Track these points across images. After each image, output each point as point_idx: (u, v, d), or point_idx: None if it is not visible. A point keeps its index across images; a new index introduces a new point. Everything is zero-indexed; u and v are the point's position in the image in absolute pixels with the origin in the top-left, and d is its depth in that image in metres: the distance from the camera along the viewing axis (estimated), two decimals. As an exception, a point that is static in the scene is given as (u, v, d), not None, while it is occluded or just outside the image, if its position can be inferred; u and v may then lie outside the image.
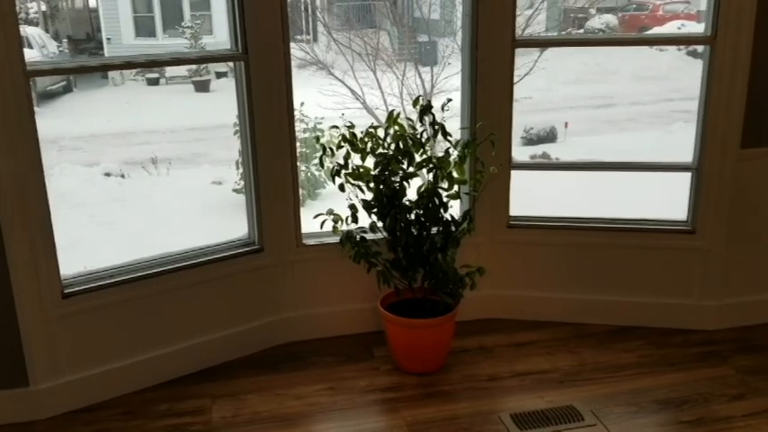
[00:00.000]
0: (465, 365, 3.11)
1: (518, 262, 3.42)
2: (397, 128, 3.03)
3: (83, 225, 7.56)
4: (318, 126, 7.34)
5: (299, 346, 3.27)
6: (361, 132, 3.07)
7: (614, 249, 3.36)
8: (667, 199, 3.55)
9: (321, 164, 3.10)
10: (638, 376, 2.99)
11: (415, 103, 3.04)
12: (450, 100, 3.03)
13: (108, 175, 9.22)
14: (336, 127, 3.15)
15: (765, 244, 3.28)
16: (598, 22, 13.73)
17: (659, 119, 10.21)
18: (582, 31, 13.45)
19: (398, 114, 3.06)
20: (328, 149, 3.07)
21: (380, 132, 3.06)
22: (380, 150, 3.04)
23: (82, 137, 11.57)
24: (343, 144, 3.05)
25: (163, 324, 2.99)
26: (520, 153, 9.51)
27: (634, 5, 14.13)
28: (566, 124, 9.73)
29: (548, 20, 10.90)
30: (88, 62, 2.86)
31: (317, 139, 3.46)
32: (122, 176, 9.23)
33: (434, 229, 3.09)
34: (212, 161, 9.42)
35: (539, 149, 9.19)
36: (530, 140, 9.90)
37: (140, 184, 8.95)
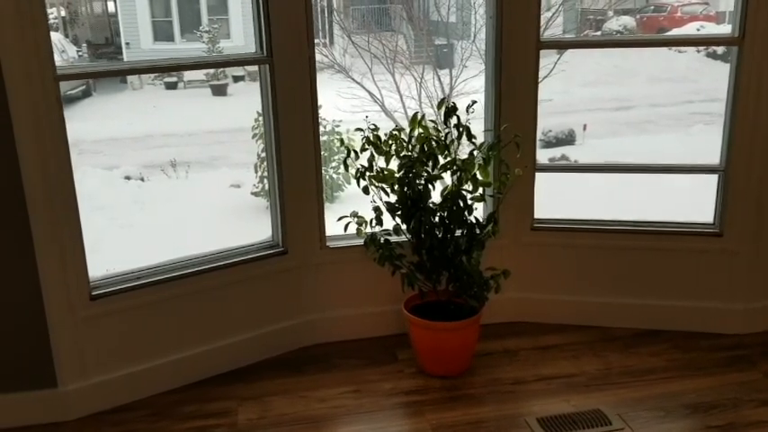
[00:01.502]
0: (490, 369, 3.10)
1: (542, 265, 3.41)
2: (420, 130, 3.03)
3: (104, 228, 7.62)
4: (336, 129, 7.35)
5: (323, 349, 3.27)
6: (385, 135, 3.07)
7: (639, 252, 3.33)
8: (691, 201, 3.53)
9: (345, 166, 3.10)
10: (666, 380, 2.96)
11: (440, 105, 3.05)
12: (474, 102, 3.02)
13: (128, 178, 9.28)
14: (361, 129, 3.16)
15: (794, 247, 3.24)
16: (616, 23, 13.66)
17: (678, 121, 10.14)
18: (599, 33, 13.39)
19: (422, 117, 3.06)
20: (352, 152, 3.07)
21: (404, 135, 3.06)
22: (404, 153, 3.04)
23: (102, 140, 11.67)
24: (367, 146, 3.05)
25: (189, 326, 3.01)
26: (538, 156, 9.51)
27: (652, 7, 14.05)
28: (584, 126, 9.69)
29: (565, 22, 10.86)
30: (113, 66, 2.89)
31: (342, 141, 3.46)
32: (142, 179, 9.30)
33: (459, 232, 3.08)
34: (231, 164, 9.47)
35: (557, 152, 9.16)
36: (548, 143, 9.86)
37: (160, 186, 9.01)
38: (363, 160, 3.06)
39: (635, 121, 10.90)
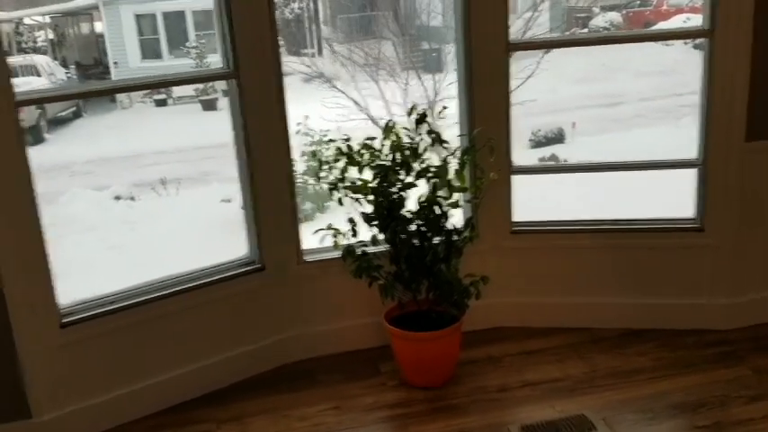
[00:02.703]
0: (474, 377, 3.05)
1: (524, 268, 3.36)
2: (393, 138, 2.99)
3: (93, 249, 7.59)
4: (324, 139, 7.32)
5: (305, 365, 3.22)
6: (358, 144, 3.04)
7: (622, 251, 3.29)
8: (677, 196, 3.48)
9: (318, 178, 3.06)
10: (652, 380, 2.92)
11: (410, 112, 3.00)
12: (445, 107, 2.99)
13: (118, 198, 9.25)
14: (333, 140, 3.13)
15: (776, 238, 3.19)
16: (602, 20, 13.65)
17: (668, 114, 10.11)
18: (586, 30, 13.37)
19: (394, 125, 3.02)
20: (325, 164, 3.04)
21: (377, 144, 3.02)
22: (378, 162, 3.00)
23: (93, 161, 11.65)
24: (339, 157, 3.01)
25: (165, 349, 2.96)
26: (528, 155, 9.46)
27: (638, 1, 14.04)
28: (573, 125, 9.66)
29: (551, 20, 10.84)
30: (71, 90, 2.86)
31: (314, 153, 3.42)
32: (132, 199, 9.26)
33: (437, 239, 3.04)
34: (221, 179, 9.44)
35: (547, 151, 9.13)
36: (538, 142, 9.84)
37: (150, 205, 8.97)
38: (338, 171, 3.02)
39: (625, 116, 10.87)
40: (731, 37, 2.90)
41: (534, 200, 3.99)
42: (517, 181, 3.32)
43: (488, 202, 3.18)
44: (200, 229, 7.51)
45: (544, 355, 3.18)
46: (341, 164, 3.00)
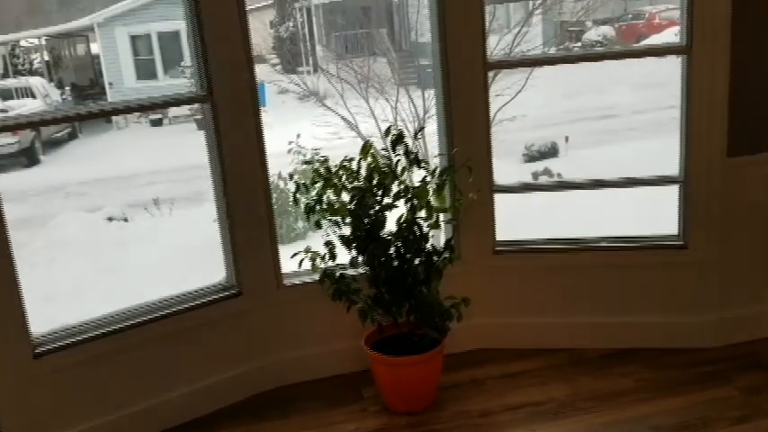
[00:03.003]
0: (456, 401, 3.00)
1: (508, 288, 3.31)
2: (370, 159, 2.96)
3: (84, 272, 7.54)
4: (316, 157, 7.30)
5: (287, 391, 3.17)
6: (335, 166, 3.01)
7: (605, 269, 3.25)
8: (666, 211, 3.44)
9: (295, 201, 3.02)
10: (636, 403, 2.86)
11: (387, 133, 2.97)
12: (422, 128, 2.96)
13: (111, 219, 9.23)
14: (309, 162, 3.10)
15: (760, 254, 3.15)
16: (595, 34, 13.67)
17: (661, 126, 10.09)
18: (579, 44, 13.39)
19: (371, 145, 2.99)
20: (302, 186, 3.00)
21: (354, 164, 2.99)
22: (356, 183, 2.96)
23: (87, 182, 11.65)
24: (317, 179, 2.98)
25: (141, 378, 2.91)
26: (521, 170, 9.44)
27: (630, 15, 14.08)
28: (566, 139, 9.65)
29: (543, 34, 10.85)
30: (32, 117, 2.84)
31: (291, 176, 3.39)
32: (125, 220, 9.24)
33: (417, 261, 3.00)
34: (214, 199, 9.37)
35: (540, 166, 9.11)
36: (531, 157, 9.83)
37: (143, 226, 8.95)
38: (314, 193, 2.99)
39: (619, 128, 10.85)
40: (708, 52, 2.87)
41: (520, 216, 3.95)
42: (501, 198, 3.29)
43: (471, 221, 3.15)
44: (192, 249, 7.47)
45: (527, 377, 3.12)
46: (318, 186, 2.97)
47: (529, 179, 8.48)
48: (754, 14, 2.87)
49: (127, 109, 2.95)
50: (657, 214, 3.46)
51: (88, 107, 2.74)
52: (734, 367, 3.04)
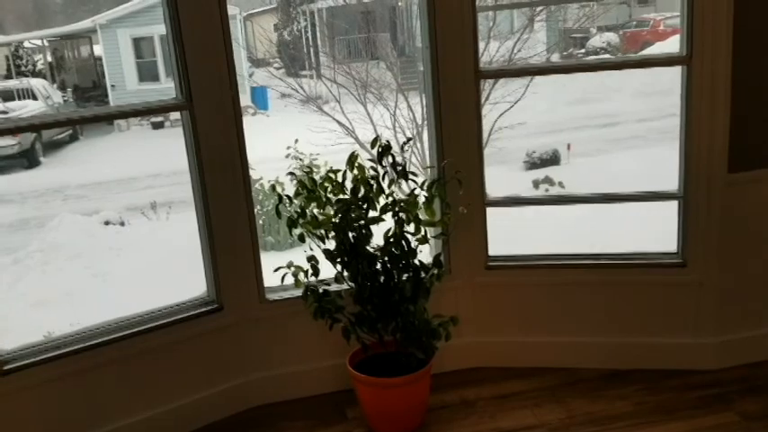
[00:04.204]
0: (444, 424, 2.87)
1: (500, 305, 3.19)
2: (356, 171, 2.84)
3: (77, 277, 7.45)
4: (314, 162, 7.21)
5: (268, 410, 3.05)
6: (320, 177, 2.89)
7: (603, 287, 3.12)
8: (667, 224, 3.32)
9: (278, 214, 2.91)
10: (632, 428, 2.74)
11: (373, 144, 2.86)
12: (410, 139, 2.84)
13: (107, 223, 9.14)
14: (293, 174, 2.98)
15: (762, 274, 3.02)
16: (599, 40, 13.56)
17: (665, 134, 9.97)
18: (583, 50, 13.27)
19: (357, 156, 2.87)
20: (285, 198, 2.88)
21: (340, 176, 2.87)
22: (341, 196, 2.85)
23: (87, 185, 11.58)
24: (301, 191, 2.87)
25: (116, 396, 2.80)
26: (522, 177, 9.33)
27: (635, 22, 13.97)
28: (568, 146, 9.54)
29: (548, 41, 10.74)
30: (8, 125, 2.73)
31: (273, 187, 3.27)
32: (122, 224, 9.16)
33: (405, 276, 2.88)
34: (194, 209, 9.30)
35: (541, 173, 8.99)
36: (533, 164, 9.72)
37: (138, 230, 8.86)
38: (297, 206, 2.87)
39: (622, 136, 10.73)
40: (709, 63, 2.75)
41: (514, 229, 3.84)
42: (495, 210, 3.17)
43: (462, 235, 3.03)
44: (185, 255, 7.36)
45: (520, 398, 3.00)
46: (301, 198, 2.85)
47: (529, 187, 8.37)
48: (756, 25, 2.75)
49: (94, 119, 2.82)
50: (657, 227, 3.35)
51: (65, 114, 2.61)
52: (735, 391, 2.91)
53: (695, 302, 3.03)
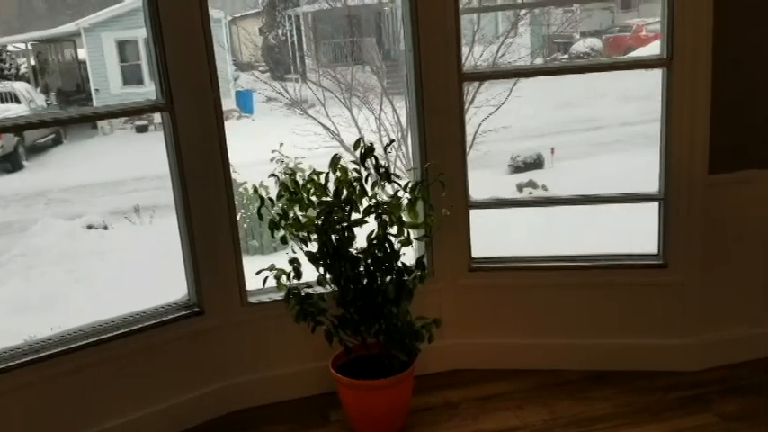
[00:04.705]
0: (427, 426, 2.87)
1: (483, 307, 3.19)
2: (339, 174, 2.83)
3: (60, 282, 7.38)
4: (299, 166, 7.19)
5: (250, 414, 3.03)
6: (303, 179, 2.88)
7: (586, 288, 3.13)
8: (650, 225, 3.34)
9: (260, 216, 2.89)
10: (614, 429, 2.74)
11: (356, 146, 2.85)
12: (392, 141, 2.84)
13: (90, 227, 9.06)
14: (275, 176, 2.97)
15: (743, 274, 3.04)
16: (583, 45, 13.65)
17: (648, 139, 10.04)
18: (567, 56, 13.35)
19: (340, 158, 2.86)
20: (267, 200, 2.87)
21: (324, 178, 2.86)
22: (324, 198, 2.84)
23: (70, 188, 11.48)
24: (283, 193, 2.85)
25: (97, 400, 2.77)
26: (506, 181, 9.36)
27: (617, 27, 14.07)
28: (551, 150, 9.58)
29: (532, 45, 10.80)
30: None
31: (255, 189, 3.26)
32: (105, 228, 9.08)
33: (388, 278, 2.87)
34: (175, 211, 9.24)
35: (525, 177, 9.03)
36: (517, 168, 9.75)
37: (122, 235, 8.80)
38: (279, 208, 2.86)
39: (606, 141, 10.79)
40: (689, 66, 2.77)
41: (497, 231, 3.84)
42: (479, 212, 3.17)
43: (445, 238, 3.03)
44: (170, 259, 7.31)
45: (503, 400, 3.00)
46: (283, 200, 2.84)
47: (514, 190, 8.39)
48: (736, 28, 2.78)
49: (79, 119, 2.80)
50: (638, 228, 3.37)
51: (38, 116, 2.59)
52: (715, 392, 2.93)
53: (677, 304, 3.04)
